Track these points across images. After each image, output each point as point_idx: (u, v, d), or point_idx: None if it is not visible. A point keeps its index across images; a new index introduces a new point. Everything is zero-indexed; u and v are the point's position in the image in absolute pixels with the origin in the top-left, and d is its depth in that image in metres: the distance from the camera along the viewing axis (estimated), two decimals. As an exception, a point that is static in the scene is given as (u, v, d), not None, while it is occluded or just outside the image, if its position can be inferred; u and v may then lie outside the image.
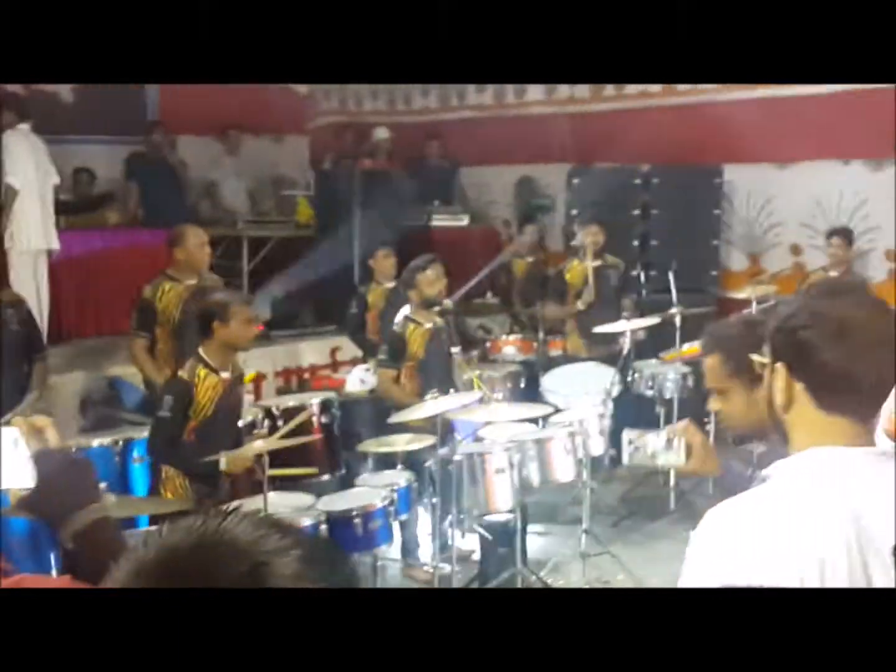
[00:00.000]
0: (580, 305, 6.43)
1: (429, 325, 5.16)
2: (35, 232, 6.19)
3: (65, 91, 7.98)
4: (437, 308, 5.19)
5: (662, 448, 2.12)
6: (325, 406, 4.96)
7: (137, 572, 0.87)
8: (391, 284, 6.30)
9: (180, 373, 4.02)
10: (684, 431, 2.17)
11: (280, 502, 3.94)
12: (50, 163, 6.29)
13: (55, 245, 6.29)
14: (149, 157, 7.92)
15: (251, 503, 3.58)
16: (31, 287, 6.19)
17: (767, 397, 1.55)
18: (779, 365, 1.51)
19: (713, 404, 2.29)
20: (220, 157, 8.82)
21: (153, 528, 0.91)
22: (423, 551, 4.84)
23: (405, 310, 5.23)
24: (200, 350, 4.06)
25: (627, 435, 2.14)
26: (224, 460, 3.77)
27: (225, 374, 4.07)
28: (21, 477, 1.35)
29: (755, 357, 1.60)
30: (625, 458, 2.12)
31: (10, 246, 6.11)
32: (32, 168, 6.14)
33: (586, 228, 6.53)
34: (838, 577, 1.30)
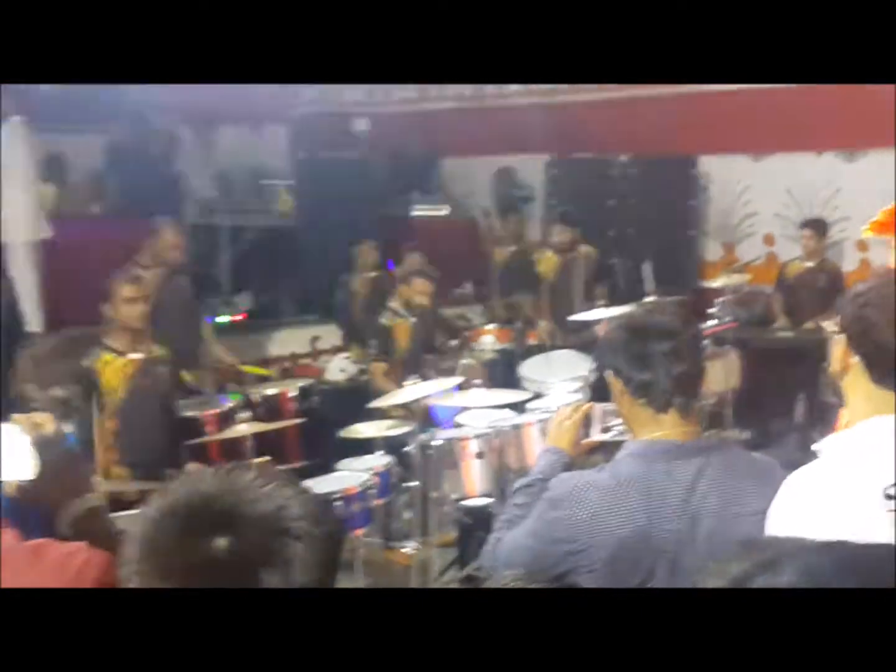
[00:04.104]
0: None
1: (413, 319, 5.27)
2: (25, 223, 6.21)
3: (45, 80, 7.96)
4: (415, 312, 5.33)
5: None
6: (305, 393, 5.03)
7: (173, 512, 0.96)
8: (374, 274, 6.38)
9: (83, 362, 4.05)
10: None
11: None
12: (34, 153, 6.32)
13: (46, 234, 6.34)
14: (128, 147, 7.90)
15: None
16: (29, 277, 6.24)
17: (831, 363, 1.72)
18: (839, 336, 1.66)
19: None
20: (188, 145, 8.76)
21: (183, 474, 1.04)
22: (403, 534, 4.91)
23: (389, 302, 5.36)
24: (104, 337, 4.11)
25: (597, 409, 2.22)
26: None
27: (135, 356, 4.10)
28: (22, 469, 1.42)
29: (824, 324, 1.75)
30: (592, 434, 2.21)
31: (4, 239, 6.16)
32: (22, 160, 6.15)
33: (554, 227, 6.72)
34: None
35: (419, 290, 5.27)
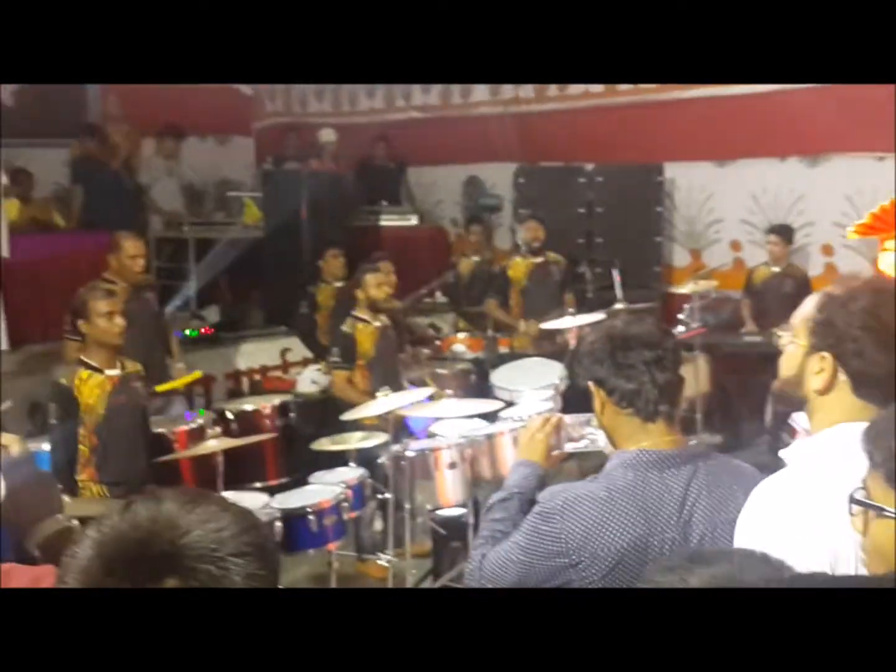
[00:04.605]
0: (522, 327, 6.62)
1: (377, 324, 5.24)
2: None
3: (6, 93, 7.87)
4: (382, 310, 5.28)
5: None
6: (283, 408, 5.00)
7: (109, 565, 0.92)
8: (340, 284, 6.35)
9: (60, 379, 4.00)
10: None
11: (234, 502, 3.95)
12: None
13: (5, 252, 6.23)
14: (94, 160, 7.81)
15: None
16: None
17: (795, 375, 1.68)
18: (827, 355, 1.63)
19: None
20: (151, 159, 8.66)
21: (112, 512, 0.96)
22: (378, 547, 4.89)
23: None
24: (81, 354, 4.04)
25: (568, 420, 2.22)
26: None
27: (112, 372, 4.03)
28: None
29: (783, 333, 1.74)
30: (563, 445, 2.20)
31: None
32: None
33: (525, 224, 6.73)
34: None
35: (373, 285, 5.23)
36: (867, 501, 1.29)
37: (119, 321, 3.99)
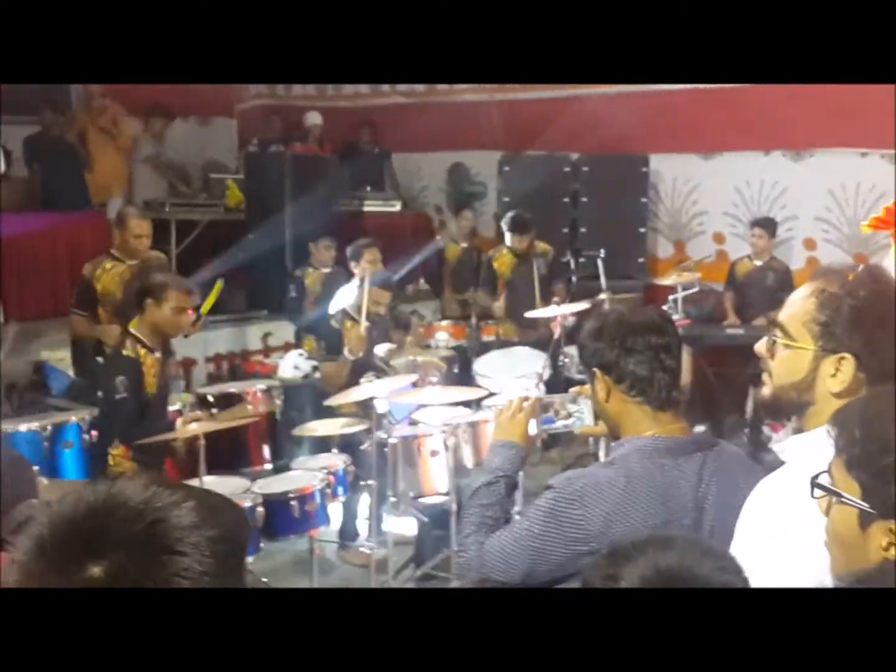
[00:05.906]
0: (498, 311, 6.57)
1: (366, 324, 5.16)
2: None
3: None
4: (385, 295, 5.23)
5: (573, 407, 2.20)
6: (267, 393, 4.97)
7: (40, 549, 0.89)
8: (328, 270, 6.32)
9: (124, 351, 3.98)
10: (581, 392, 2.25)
11: (215, 485, 3.92)
12: None
13: None
14: (47, 137, 7.58)
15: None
16: None
17: (802, 379, 1.61)
18: (849, 356, 1.57)
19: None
20: (139, 137, 8.56)
21: (41, 501, 0.91)
22: (360, 534, 4.88)
23: (344, 299, 5.24)
24: (132, 329, 4.02)
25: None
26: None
27: (158, 355, 4.07)
28: None
29: (775, 338, 1.66)
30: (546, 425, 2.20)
31: None
32: None
33: (513, 235, 6.59)
34: None
35: (375, 300, 5.19)
36: (826, 486, 1.29)
37: (186, 320, 4.09)
